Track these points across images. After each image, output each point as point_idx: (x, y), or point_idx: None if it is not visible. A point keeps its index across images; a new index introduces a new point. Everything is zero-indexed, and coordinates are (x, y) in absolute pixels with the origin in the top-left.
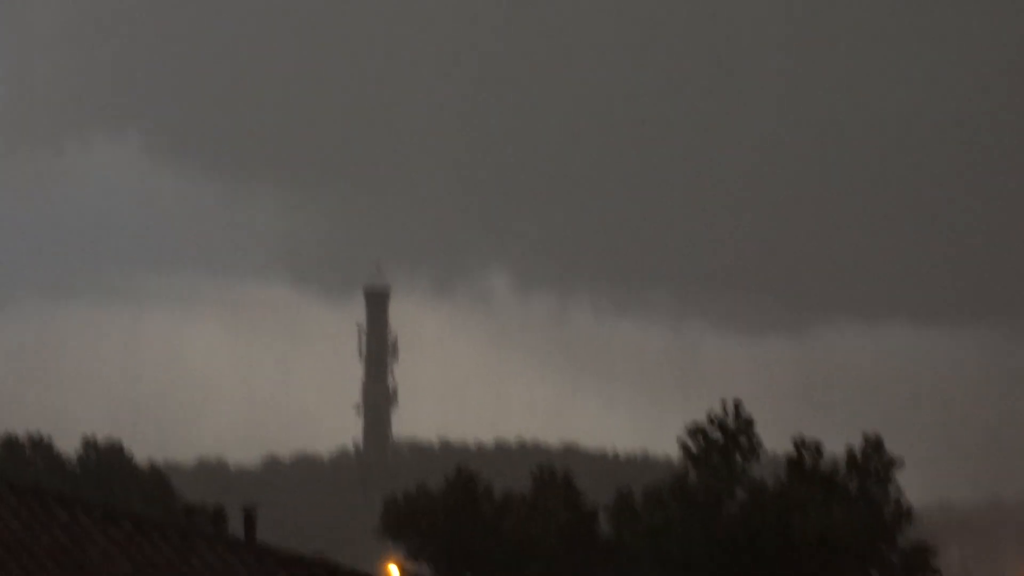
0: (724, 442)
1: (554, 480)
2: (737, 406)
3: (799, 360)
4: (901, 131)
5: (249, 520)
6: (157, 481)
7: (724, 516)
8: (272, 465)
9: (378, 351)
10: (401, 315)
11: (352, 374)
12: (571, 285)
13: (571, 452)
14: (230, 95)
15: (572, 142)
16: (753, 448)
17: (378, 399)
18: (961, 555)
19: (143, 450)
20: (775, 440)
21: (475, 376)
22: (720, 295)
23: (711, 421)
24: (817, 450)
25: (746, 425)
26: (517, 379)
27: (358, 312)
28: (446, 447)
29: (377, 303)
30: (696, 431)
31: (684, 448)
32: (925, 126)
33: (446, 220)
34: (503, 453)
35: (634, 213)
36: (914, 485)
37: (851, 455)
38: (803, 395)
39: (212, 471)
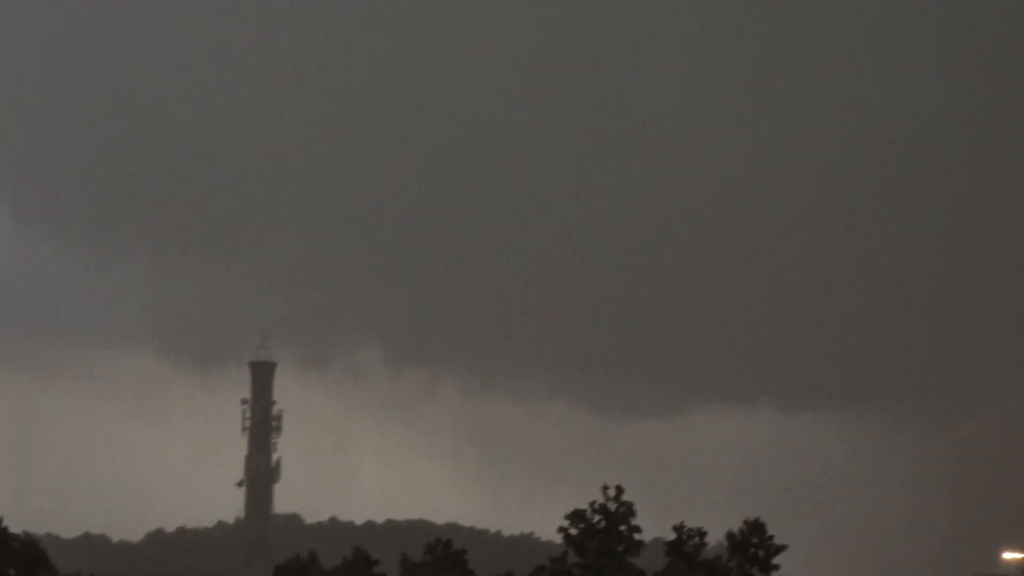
0: (605, 526)
1: (448, 554)
2: (619, 492)
3: (676, 443)
4: (765, 210)
5: None
6: (32, 552)
7: None
8: (155, 538)
9: (262, 424)
10: (283, 388)
11: (233, 447)
12: (442, 363)
13: (457, 531)
14: (103, 160)
15: (447, 219)
16: (632, 534)
17: (261, 472)
18: None
19: (21, 523)
20: (656, 525)
21: (357, 453)
22: (592, 377)
23: (592, 506)
24: (700, 536)
25: (627, 511)
26: (397, 457)
27: (235, 383)
28: (327, 522)
29: (262, 375)
30: (576, 516)
31: (564, 533)
32: (785, 204)
33: (319, 293)
34: (390, 530)
35: (508, 292)
36: (794, 571)
37: (732, 538)
38: (682, 477)
39: (95, 545)
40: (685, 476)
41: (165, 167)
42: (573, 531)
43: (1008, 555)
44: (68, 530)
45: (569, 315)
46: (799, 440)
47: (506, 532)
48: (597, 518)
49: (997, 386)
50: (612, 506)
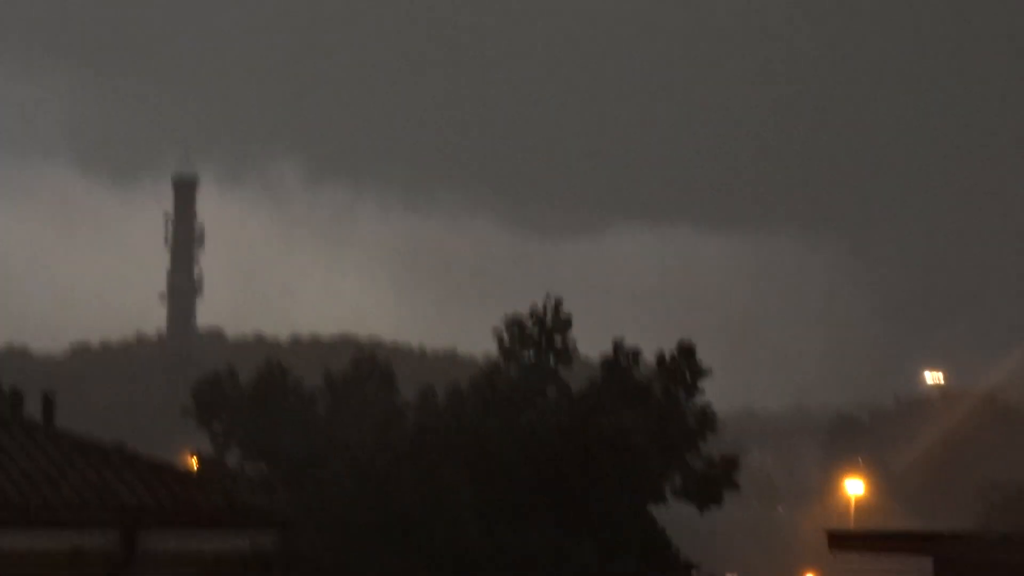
0: (539, 338)
1: (374, 370)
2: (558, 305)
3: (596, 264)
4: (687, 29)
5: (47, 405)
6: None
7: (530, 415)
8: (80, 353)
9: (184, 239)
10: (205, 203)
11: (155, 262)
12: (362, 178)
13: (380, 347)
14: None
15: (368, 29)
16: (567, 348)
17: (183, 287)
18: (763, 461)
19: None
20: (583, 345)
21: (280, 269)
22: (512, 196)
23: (532, 316)
24: (634, 356)
25: (563, 325)
26: (320, 273)
27: (155, 197)
28: (251, 338)
29: (184, 190)
30: (513, 323)
31: (499, 341)
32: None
33: (238, 106)
34: (315, 345)
35: (429, 108)
36: (719, 392)
37: (661, 360)
38: (604, 299)
39: (15, 358)
40: (606, 298)
41: None
42: (507, 340)
43: (928, 374)
44: None
45: (491, 133)
46: (720, 263)
47: (429, 347)
48: (533, 329)
49: (914, 205)
50: (548, 320)
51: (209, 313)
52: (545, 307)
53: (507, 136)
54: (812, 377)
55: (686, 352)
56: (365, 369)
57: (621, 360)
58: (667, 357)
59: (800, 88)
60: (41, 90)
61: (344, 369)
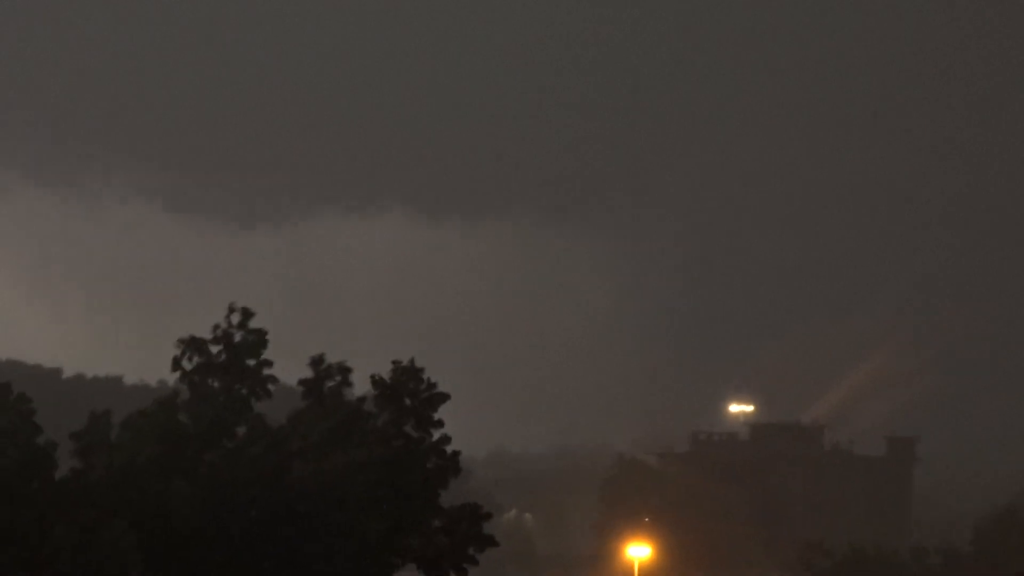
0: (226, 360)
1: (7, 400)
2: (246, 316)
3: (291, 257)
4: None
5: None
6: None
7: (214, 457)
8: None
9: None
10: None
11: None
12: None
13: (16, 368)
14: None
15: None
16: (262, 373)
17: None
18: (521, 518)
19: None
20: (284, 356)
21: None
22: (177, 175)
23: (216, 334)
24: (343, 375)
25: (256, 343)
26: None
27: None
28: None
29: None
30: (192, 344)
31: (176, 365)
32: None
33: None
34: None
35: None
36: (461, 429)
37: (380, 383)
38: (310, 299)
39: None
40: (313, 298)
41: None
42: (188, 365)
43: (735, 407)
44: None
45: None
46: (453, 254)
47: (89, 373)
48: (217, 349)
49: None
50: (237, 335)
51: None
52: (231, 321)
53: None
54: (579, 411)
55: (411, 373)
56: None
57: (326, 383)
58: (387, 378)
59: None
60: None
61: None
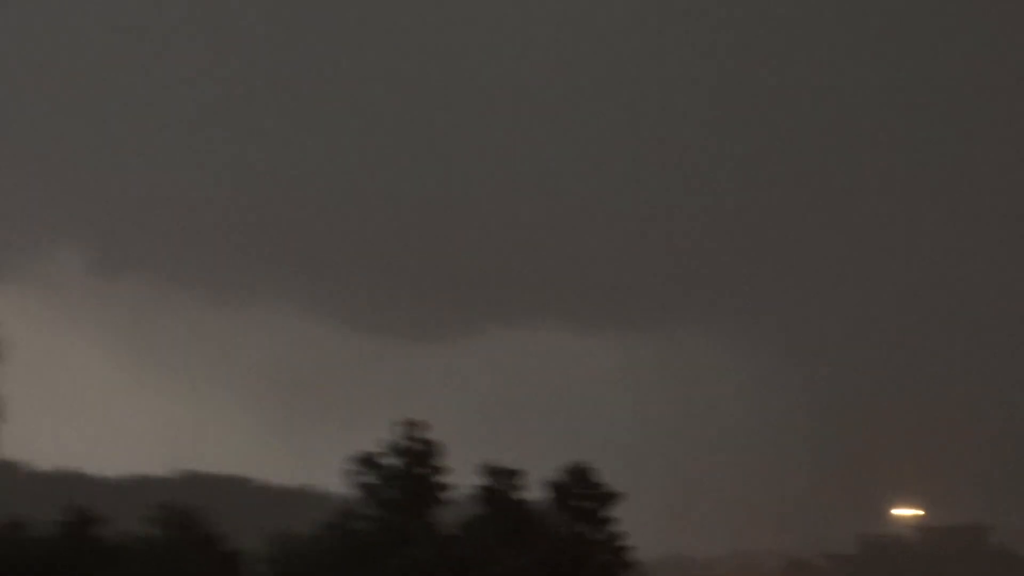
0: (402, 473)
1: (180, 517)
2: (417, 427)
3: (463, 372)
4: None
5: None
6: None
7: (393, 564)
8: None
9: None
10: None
11: None
12: (160, 270)
13: (237, 484)
14: None
15: (162, 101)
16: (436, 482)
17: None
18: None
19: None
20: (462, 467)
21: (78, 385)
22: (350, 293)
23: (391, 447)
24: (514, 479)
25: (429, 450)
26: (125, 391)
27: None
28: (65, 475)
29: None
30: (366, 462)
31: (353, 480)
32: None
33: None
34: (140, 486)
35: (238, 189)
36: (636, 533)
37: (554, 486)
38: (479, 413)
39: None
40: (482, 411)
41: None
42: (364, 479)
43: (899, 511)
44: None
45: (318, 217)
46: (607, 371)
47: (276, 481)
48: (394, 462)
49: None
50: (413, 446)
51: (10, 442)
52: (405, 433)
53: (338, 221)
54: (751, 514)
55: (581, 475)
56: (173, 515)
57: (499, 489)
58: (558, 481)
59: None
60: None
61: (151, 531)
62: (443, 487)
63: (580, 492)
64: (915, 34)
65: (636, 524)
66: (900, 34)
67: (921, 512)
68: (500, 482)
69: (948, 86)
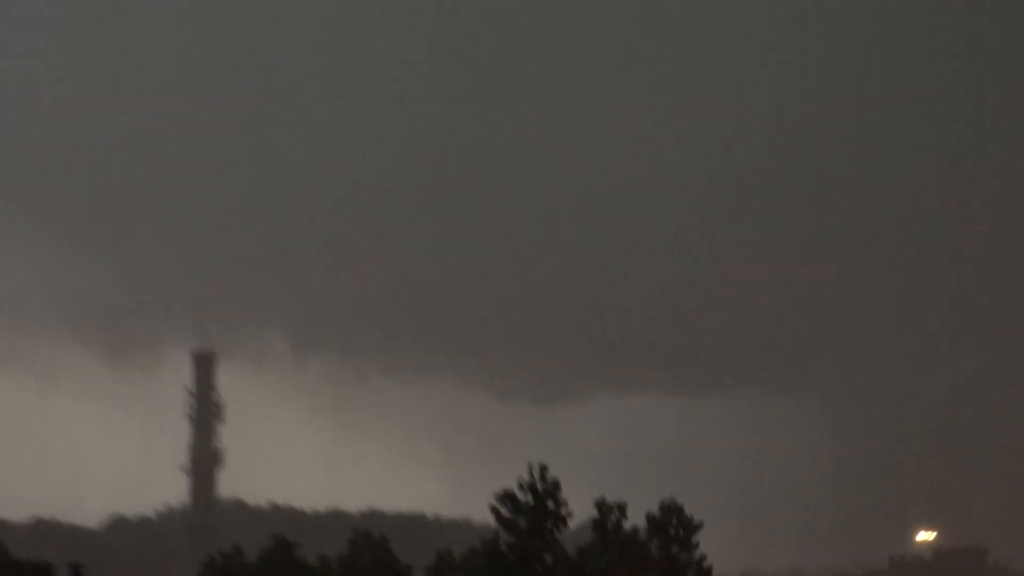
0: (534, 505)
1: (369, 544)
2: (543, 470)
3: (577, 429)
4: (653, 200)
5: None
6: None
7: None
8: (112, 525)
9: (204, 412)
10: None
11: (175, 434)
12: (350, 349)
13: (411, 519)
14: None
15: (351, 210)
16: (560, 512)
17: (205, 459)
18: None
19: None
20: (580, 502)
21: (290, 441)
22: (492, 364)
23: (521, 486)
24: (621, 512)
25: (553, 488)
26: (328, 445)
27: (169, 372)
28: (276, 510)
29: (203, 365)
30: (506, 496)
31: (495, 512)
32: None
33: (221, 281)
34: (335, 519)
35: (407, 281)
36: (715, 553)
37: (652, 518)
38: (589, 462)
39: (49, 530)
40: (592, 461)
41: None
42: (504, 512)
43: (922, 535)
44: (16, 514)
45: (469, 304)
46: (693, 425)
47: (444, 516)
48: (526, 497)
49: (888, 366)
50: (539, 485)
51: (230, 484)
52: (533, 475)
53: (483, 306)
54: (806, 537)
55: (674, 509)
56: (363, 540)
57: (609, 519)
58: (656, 515)
59: (762, 251)
60: (46, 265)
61: (341, 552)
62: (565, 518)
63: (672, 523)
64: None
65: (717, 546)
66: None
67: (936, 535)
68: (610, 515)
69: None
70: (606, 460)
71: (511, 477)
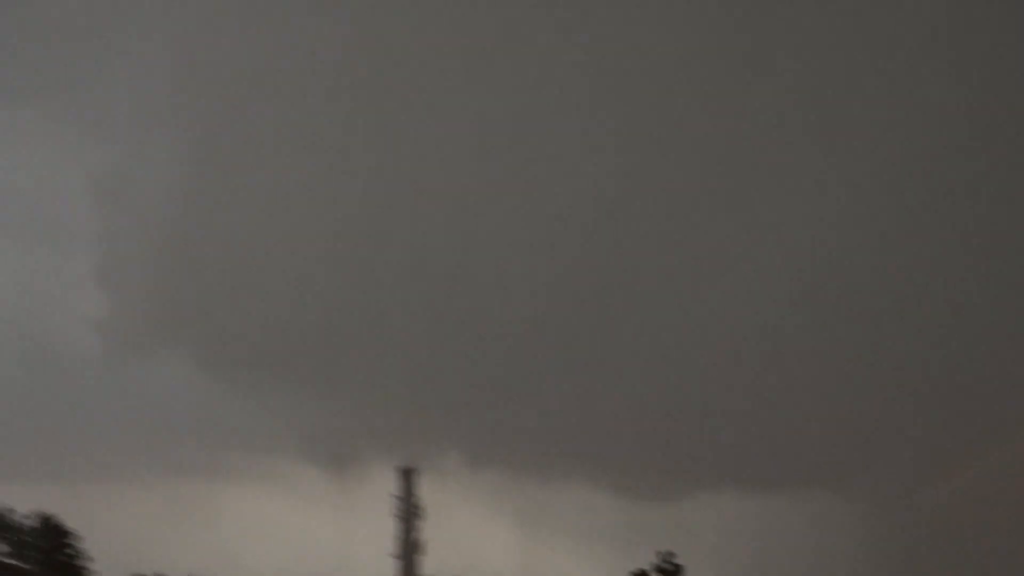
0: None
1: None
2: (670, 556)
3: (689, 520)
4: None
5: None
6: None
7: None
8: None
9: (408, 512)
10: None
11: (385, 530)
12: (510, 464)
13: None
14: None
15: (513, 347)
16: None
17: (410, 547)
18: None
19: None
20: None
21: (474, 536)
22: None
23: (652, 567)
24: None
25: (675, 569)
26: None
27: (382, 483)
28: None
29: (405, 477)
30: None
31: None
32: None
33: (418, 410)
34: None
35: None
36: None
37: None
38: (701, 547)
39: None
40: (696, 546)
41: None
42: None
43: None
44: None
45: (598, 419)
46: (767, 522)
47: None
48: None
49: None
50: (665, 566)
51: (431, 568)
52: (661, 558)
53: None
54: None
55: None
56: None
57: None
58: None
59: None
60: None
61: None
62: None
63: None
64: None
65: None
66: None
67: None
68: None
69: None
70: (704, 547)
71: (639, 561)
